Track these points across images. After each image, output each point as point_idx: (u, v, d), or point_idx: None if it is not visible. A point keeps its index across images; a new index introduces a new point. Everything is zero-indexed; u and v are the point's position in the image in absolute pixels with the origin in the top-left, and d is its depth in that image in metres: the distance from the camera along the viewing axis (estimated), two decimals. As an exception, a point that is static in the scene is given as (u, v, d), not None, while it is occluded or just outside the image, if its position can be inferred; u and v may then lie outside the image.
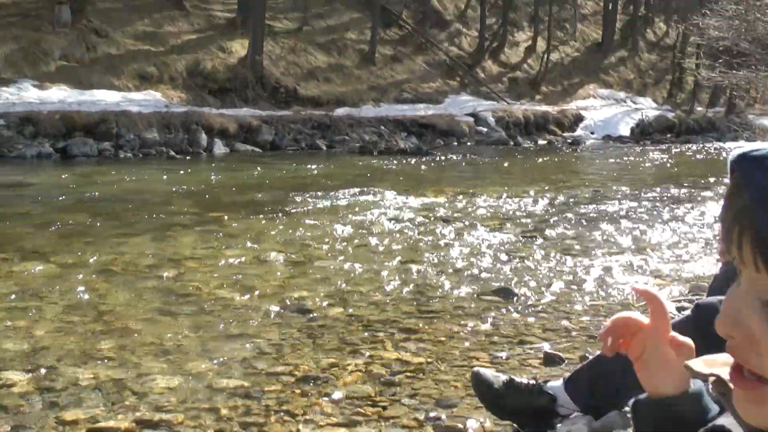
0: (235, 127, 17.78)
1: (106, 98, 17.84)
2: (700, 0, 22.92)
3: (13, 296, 4.50)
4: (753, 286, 0.61)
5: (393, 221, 7.52)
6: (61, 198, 9.03)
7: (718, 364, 0.83)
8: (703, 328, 1.23)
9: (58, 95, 17.47)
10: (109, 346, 3.66)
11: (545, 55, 29.51)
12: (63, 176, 11.56)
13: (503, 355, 3.61)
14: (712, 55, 18.21)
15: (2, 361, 3.41)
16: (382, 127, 20.62)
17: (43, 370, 3.29)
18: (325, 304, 4.46)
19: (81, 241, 6.25)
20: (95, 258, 5.56)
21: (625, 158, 18.31)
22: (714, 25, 15.79)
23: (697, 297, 3.90)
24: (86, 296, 4.54)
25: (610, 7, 33.96)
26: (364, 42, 25.87)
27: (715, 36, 15.90)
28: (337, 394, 3.11)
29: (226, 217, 7.59)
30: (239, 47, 22.15)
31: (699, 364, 0.88)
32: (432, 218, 7.78)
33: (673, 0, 35.58)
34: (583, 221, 7.77)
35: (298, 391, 3.17)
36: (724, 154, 18.03)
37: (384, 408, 3.00)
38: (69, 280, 4.90)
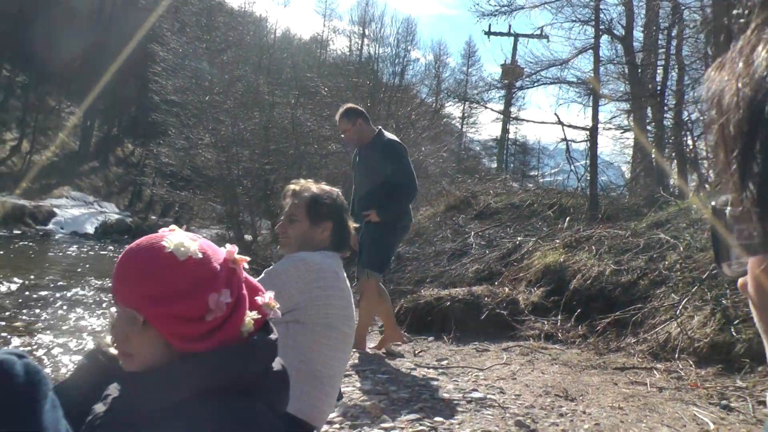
0: None
1: None
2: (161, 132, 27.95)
3: None
4: None
5: None
6: None
7: None
8: None
9: None
10: None
11: (28, 156, 33.10)
12: None
13: None
14: (164, 176, 23.23)
15: None
16: None
17: None
18: None
19: None
20: None
21: (87, 252, 20.56)
22: (165, 153, 19.66)
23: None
24: None
25: (88, 123, 39.23)
26: None
27: (165, 162, 19.69)
28: None
29: None
30: None
31: None
32: None
33: (141, 127, 42.06)
34: (39, 304, 8.89)
35: None
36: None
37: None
38: None
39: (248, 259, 1.75)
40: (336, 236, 3.41)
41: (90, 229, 30.17)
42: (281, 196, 3.58)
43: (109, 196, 38.13)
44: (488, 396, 4.42)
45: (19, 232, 25.57)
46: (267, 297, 1.79)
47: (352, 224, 3.49)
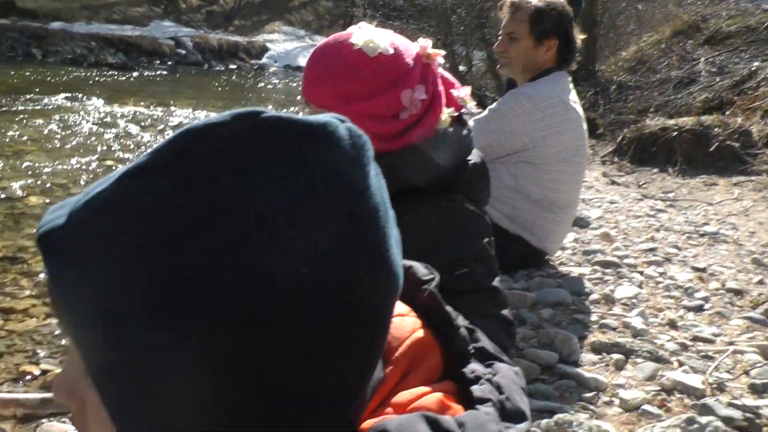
0: (-46, 32, 19.12)
1: None
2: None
3: None
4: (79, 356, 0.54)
5: (96, 124, 7.97)
6: None
7: None
8: None
9: None
10: None
11: (239, -7, 34.35)
12: None
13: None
14: (376, 7, 22.65)
15: None
16: (93, 43, 22.77)
17: None
18: (28, 192, 4.75)
19: None
20: None
21: (300, 84, 22.38)
22: (377, -17, 19.67)
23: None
24: None
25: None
26: (78, -37, 28.13)
27: (378, -8, 19.68)
28: (33, 270, 3.34)
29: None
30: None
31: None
32: (131, 123, 8.26)
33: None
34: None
35: (-1, 269, 3.34)
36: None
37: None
38: None
39: (443, 53, 1.64)
40: (562, 54, 3.11)
41: (302, 62, 30.54)
42: (497, 8, 3.28)
43: (319, 30, 38.75)
44: (721, 231, 4.25)
45: (234, 66, 26.82)
46: (462, 92, 1.71)
47: (579, 35, 3.16)
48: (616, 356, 2.37)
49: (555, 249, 3.31)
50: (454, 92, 1.69)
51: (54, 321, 2.78)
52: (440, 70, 1.65)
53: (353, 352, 0.53)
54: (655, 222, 4.44)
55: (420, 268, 0.71)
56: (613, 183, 5.85)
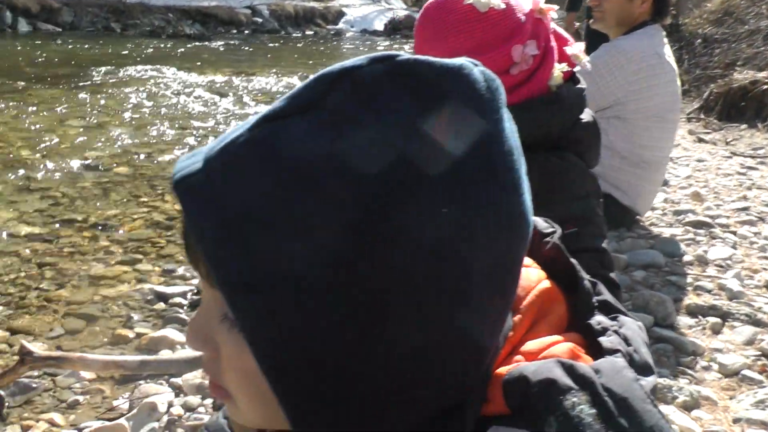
0: (38, 7, 19.21)
1: None
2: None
3: None
4: (215, 301, 0.57)
5: (177, 94, 8.01)
6: None
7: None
8: None
9: None
10: None
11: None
12: None
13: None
14: None
15: None
16: (170, 15, 22.31)
17: None
18: (114, 162, 4.85)
19: None
20: None
21: (378, 47, 20.35)
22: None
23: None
24: None
25: None
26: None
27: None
28: (123, 237, 3.46)
29: (32, 87, 7.90)
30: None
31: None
32: (211, 93, 8.26)
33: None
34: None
35: (88, 235, 3.48)
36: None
37: (161, 247, 3.36)
38: None
39: (556, 7, 1.61)
40: (657, 6, 3.07)
41: (379, 26, 30.51)
42: None
43: (397, -7, 38.42)
44: (815, 189, 4.07)
45: (311, 32, 26.68)
46: (576, 48, 1.68)
47: None
48: (712, 319, 2.31)
49: (645, 208, 3.24)
50: (568, 49, 1.66)
51: (145, 286, 2.87)
52: (553, 26, 1.63)
53: (491, 300, 0.53)
54: (746, 180, 4.28)
55: (540, 222, 0.70)
56: (701, 141, 5.65)
